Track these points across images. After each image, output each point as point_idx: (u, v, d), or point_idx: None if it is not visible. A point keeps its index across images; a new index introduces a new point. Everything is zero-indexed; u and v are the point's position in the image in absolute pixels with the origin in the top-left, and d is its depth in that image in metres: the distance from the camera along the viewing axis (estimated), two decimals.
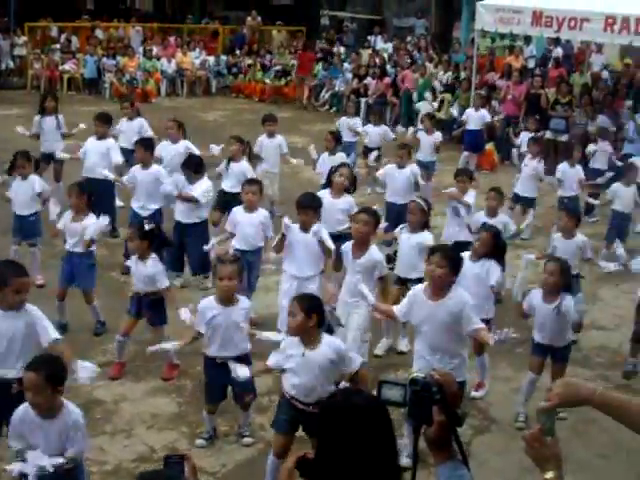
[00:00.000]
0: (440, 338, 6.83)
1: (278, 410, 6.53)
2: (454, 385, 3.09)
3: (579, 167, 13.77)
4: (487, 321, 8.28)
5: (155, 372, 8.69)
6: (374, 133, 16.26)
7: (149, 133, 13.70)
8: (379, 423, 3.10)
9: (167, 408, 8.08)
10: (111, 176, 11.74)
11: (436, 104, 20.72)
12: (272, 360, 6.56)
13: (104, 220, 9.21)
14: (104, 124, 12.49)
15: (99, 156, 12.18)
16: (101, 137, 12.38)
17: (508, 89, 20.01)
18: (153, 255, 8.40)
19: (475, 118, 17.86)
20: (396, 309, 7.17)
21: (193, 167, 10.61)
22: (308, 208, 8.67)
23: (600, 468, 7.24)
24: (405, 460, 6.75)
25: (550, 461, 3.10)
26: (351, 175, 10.44)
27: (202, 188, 10.55)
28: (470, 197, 10.72)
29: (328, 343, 6.24)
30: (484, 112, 18.24)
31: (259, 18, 31.85)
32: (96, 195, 9.74)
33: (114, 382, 8.50)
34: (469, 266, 8.07)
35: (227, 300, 7.11)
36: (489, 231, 8.56)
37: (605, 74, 22.28)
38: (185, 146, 12.34)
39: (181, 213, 10.76)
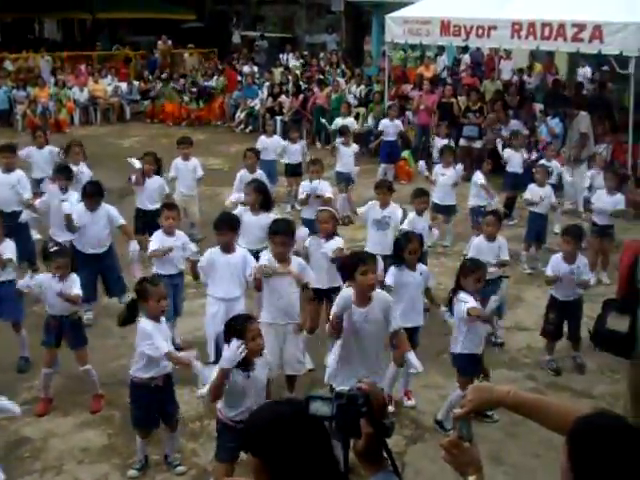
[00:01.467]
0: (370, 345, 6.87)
1: (223, 438, 6.45)
2: (380, 396, 3.07)
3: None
4: (416, 329, 8.40)
5: (83, 405, 8.52)
6: (294, 150, 16.27)
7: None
8: (312, 431, 3.06)
9: (97, 441, 7.91)
10: (25, 216, 11.59)
11: (352, 118, 20.78)
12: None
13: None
14: (10, 155, 12.21)
15: (8, 188, 11.87)
16: (9, 169, 12.04)
17: (420, 99, 20.19)
18: (73, 275, 8.26)
19: (390, 129, 17.98)
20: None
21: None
22: (226, 229, 8.62)
23: (533, 467, 7.31)
24: None
25: (470, 466, 3.10)
26: (264, 191, 10.35)
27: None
28: (396, 212, 10.74)
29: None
30: (398, 123, 18.41)
31: (170, 42, 31.74)
32: (11, 228, 9.56)
33: (42, 418, 8.31)
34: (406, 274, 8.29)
35: (158, 321, 7.07)
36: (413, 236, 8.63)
37: (515, 79, 22.71)
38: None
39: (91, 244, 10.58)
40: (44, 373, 8.40)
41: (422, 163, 12.44)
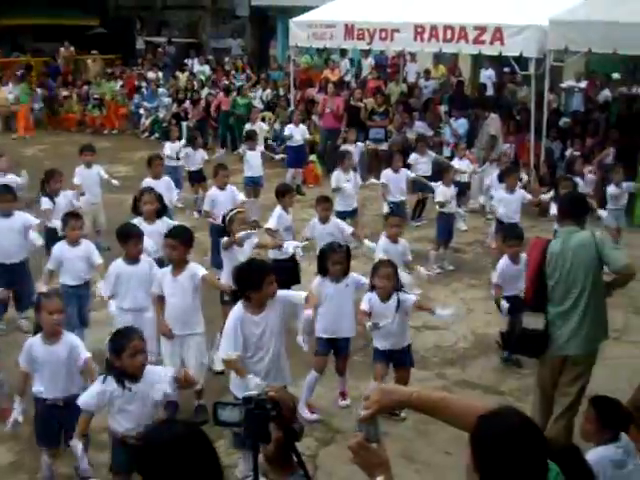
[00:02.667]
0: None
1: (115, 451, 6.39)
2: (289, 401, 3.06)
3: (404, 171, 13.96)
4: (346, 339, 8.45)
5: None
6: (197, 156, 16.18)
7: None
8: (202, 449, 3.04)
9: (4, 457, 7.74)
10: None
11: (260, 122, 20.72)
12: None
13: None
14: None
15: None
16: None
17: (325, 102, 20.25)
18: None
19: (296, 134, 17.99)
20: None
21: None
22: (129, 238, 8.51)
23: (444, 465, 7.36)
24: None
25: (378, 467, 3.10)
26: (160, 199, 10.28)
27: None
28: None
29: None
30: (304, 127, 18.41)
31: (72, 48, 31.25)
32: None
33: None
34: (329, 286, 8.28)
35: (55, 335, 6.88)
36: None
37: (422, 82, 22.95)
38: None
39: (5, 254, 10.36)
40: None
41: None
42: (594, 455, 5.37)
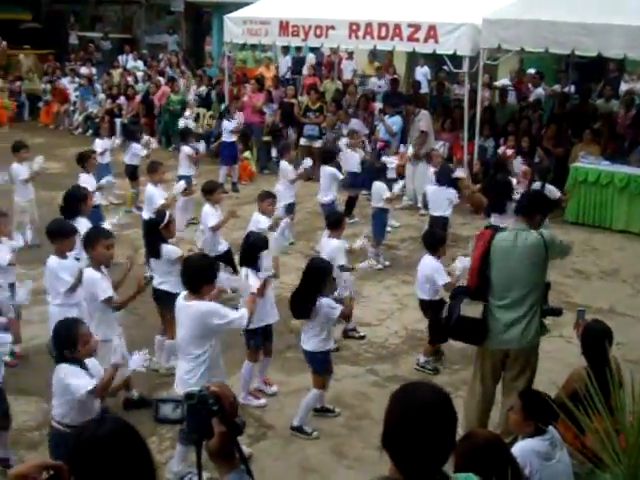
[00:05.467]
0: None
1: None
2: (230, 395, 3.05)
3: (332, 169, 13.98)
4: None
5: None
6: (136, 150, 16.13)
7: None
8: (134, 446, 3.06)
9: None
10: None
11: (191, 120, 20.59)
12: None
13: None
14: None
15: None
16: None
17: (249, 99, 20.25)
18: None
19: (229, 130, 17.91)
20: None
21: None
22: (59, 235, 8.45)
23: (376, 460, 7.37)
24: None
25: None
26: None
27: None
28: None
29: None
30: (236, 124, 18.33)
31: (4, 43, 30.75)
32: None
33: None
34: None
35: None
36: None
37: (357, 80, 23.02)
38: None
39: None
40: None
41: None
42: (519, 447, 5.45)
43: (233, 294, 8.66)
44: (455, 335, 7.66)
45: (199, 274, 6.97)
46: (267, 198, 10.93)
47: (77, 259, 8.76)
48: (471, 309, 7.13)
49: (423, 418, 3.08)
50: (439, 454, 3.11)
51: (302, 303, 7.77)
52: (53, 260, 8.40)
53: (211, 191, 11.19)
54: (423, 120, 16.44)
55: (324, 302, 7.69)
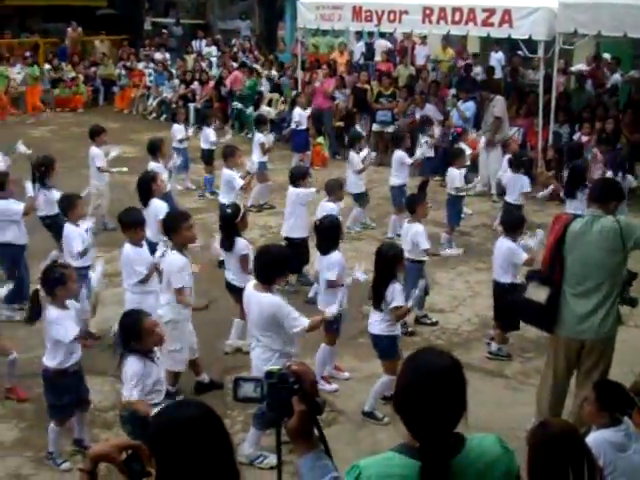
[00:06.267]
0: None
1: None
2: (311, 374, 3.06)
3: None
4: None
5: None
6: (210, 135, 16.36)
7: None
8: (212, 431, 3.06)
9: (9, 434, 7.80)
10: None
11: (266, 107, 20.67)
12: None
13: None
14: None
15: None
16: None
17: (321, 84, 20.20)
18: None
19: (302, 118, 17.93)
20: None
21: None
22: (129, 225, 8.61)
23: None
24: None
25: None
26: None
27: None
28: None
29: None
30: (309, 111, 18.34)
31: (80, 29, 31.16)
32: None
33: None
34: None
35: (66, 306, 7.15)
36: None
37: (430, 65, 22.86)
38: None
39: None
40: None
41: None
42: (592, 437, 5.37)
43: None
44: (522, 317, 7.59)
45: (273, 265, 7.00)
46: (338, 190, 11.02)
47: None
48: (537, 292, 7.03)
49: (432, 382, 3.10)
50: (449, 418, 3.12)
51: (379, 291, 7.76)
52: (128, 249, 8.53)
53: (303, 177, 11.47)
54: (497, 106, 16.25)
55: (397, 288, 7.68)
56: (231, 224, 9.19)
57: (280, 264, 7.05)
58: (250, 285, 7.09)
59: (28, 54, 27.58)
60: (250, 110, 21.66)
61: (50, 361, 7.09)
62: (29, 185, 10.45)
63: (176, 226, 8.06)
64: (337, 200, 10.84)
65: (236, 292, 8.85)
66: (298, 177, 11.40)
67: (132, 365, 6.25)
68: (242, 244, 9.11)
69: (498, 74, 20.96)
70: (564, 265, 6.91)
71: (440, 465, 3.07)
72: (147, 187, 10.22)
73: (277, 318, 6.81)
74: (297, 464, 3.08)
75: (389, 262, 7.73)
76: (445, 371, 3.15)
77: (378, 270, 7.79)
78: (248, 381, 3.04)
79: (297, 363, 3.09)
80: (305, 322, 6.98)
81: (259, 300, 6.89)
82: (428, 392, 3.08)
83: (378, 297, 7.78)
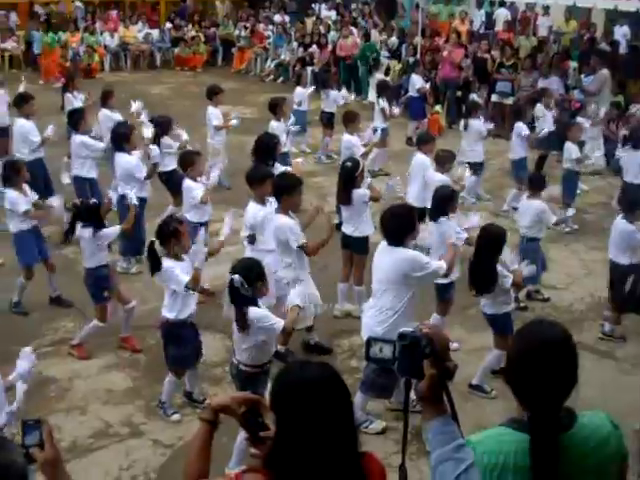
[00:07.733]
0: None
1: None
2: (444, 338, 3.05)
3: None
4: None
5: (107, 348, 8.60)
6: (332, 98, 16.39)
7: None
8: (337, 393, 3.08)
9: (121, 383, 8.04)
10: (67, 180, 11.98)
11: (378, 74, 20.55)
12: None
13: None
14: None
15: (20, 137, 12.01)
16: (27, 116, 12.06)
17: (449, 54, 19.94)
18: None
19: (420, 84, 17.76)
20: None
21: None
22: (255, 181, 8.52)
23: None
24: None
25: None
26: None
27: None
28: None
29: None
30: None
31: None
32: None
33: (66, 359, 8.43)
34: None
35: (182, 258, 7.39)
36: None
37: (552, 36, 22.40)
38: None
39: None
40: (97, 326, 8.46)
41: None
42: None
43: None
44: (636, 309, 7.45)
45: (401, 226, 6.98)
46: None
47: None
48: None
49: (545, 352, 3.05)
50: (560, 389, 3.07)
51: (482, 275, 7.59)
52: (252, 207, 8.48)
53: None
54: (594, 80, 15.79)
55: (500, 270, 7.54)
56: (351, 177, 9.16)
57: (408, 223, 7.01)
58: (382, 245, 7.09)
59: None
60: (363, 73, 21.61)
61: (169, 312, 7.26)
62: (155, 148, 10.69)
63: (292, 189, 8.02)
64: (445, 172, 10.70)
65: (356, 246, 9.06)
66: (424, 142, 11.35)
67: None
68: (360, 192, 9.12)
69: (623, 49, 20.41)
70: None
71: (550, 438, 3.04)
72: (267, 148, 10.18)
73: (408, 274, 6.81)
74: (424, 427, 3.08)
75: (492, 244, 7.58)
76: (558, 341, 3.11)
77: (480, 253, 7.65)
78: (380, 342, 3.03)
79: (431, 326, 3.07)
80: (441, 262, 7.13)
81: (392, 252, 6.91)
82: (540, 361, 3.05)
83: (484, 284, 7.66)
